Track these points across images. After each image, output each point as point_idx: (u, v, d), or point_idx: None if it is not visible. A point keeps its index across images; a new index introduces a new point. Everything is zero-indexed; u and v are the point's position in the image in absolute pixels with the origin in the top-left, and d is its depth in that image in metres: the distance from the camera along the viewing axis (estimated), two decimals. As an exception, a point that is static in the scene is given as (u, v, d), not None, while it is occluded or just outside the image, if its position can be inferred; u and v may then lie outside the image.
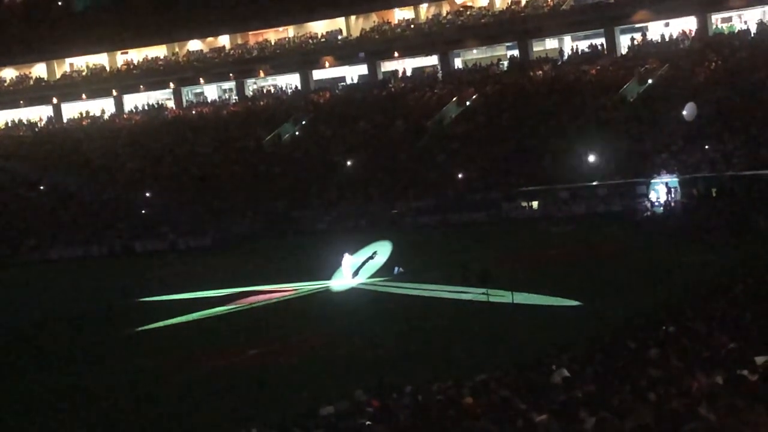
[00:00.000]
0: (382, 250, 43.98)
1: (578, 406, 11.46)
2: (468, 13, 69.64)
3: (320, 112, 67.69)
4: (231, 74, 75.02)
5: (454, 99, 62.96)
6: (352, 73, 72.98)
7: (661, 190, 46.05)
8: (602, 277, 34.25)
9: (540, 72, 63.28)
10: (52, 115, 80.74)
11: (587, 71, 61.35)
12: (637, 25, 63.87)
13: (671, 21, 63.24)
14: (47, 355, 33.92)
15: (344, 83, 72.52)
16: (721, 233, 38.36)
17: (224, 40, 77.76)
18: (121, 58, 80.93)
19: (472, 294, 32.99)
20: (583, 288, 32.48)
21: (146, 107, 77.80)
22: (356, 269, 40.80)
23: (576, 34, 66.45)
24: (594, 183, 49.42)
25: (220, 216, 57.61)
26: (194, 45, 78.86)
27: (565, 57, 65.39)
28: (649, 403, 10.92)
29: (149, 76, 77.69)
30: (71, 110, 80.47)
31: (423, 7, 71.60)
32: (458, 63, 69.74)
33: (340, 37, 73.19)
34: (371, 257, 42.36)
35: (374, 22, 72.97)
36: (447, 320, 31.46)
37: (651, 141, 50.85)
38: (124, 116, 77.73)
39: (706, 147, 48.73)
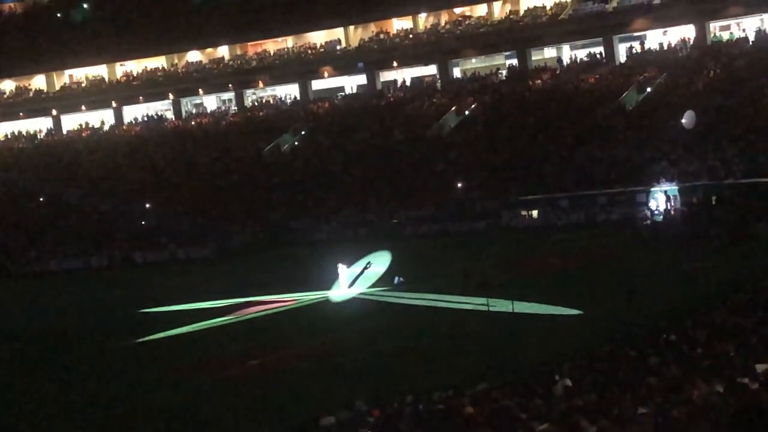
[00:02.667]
0: (382, 260, 43.95)
1: (579, 415, 11.48)
2: (466, 22, 69.73)
3: (319, 122, 67.71)
4: (230, 85, 75.06)
5: (453, 108, 63.00)
6: (351, 83, 73.05)
7: (660, 198, 46.05)
8: (602, 286, 34.22)
9: (539, 81, 63.34)
10: (52, 126, 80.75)
11: (586, 80, 61.41)
12: (636, 34, 63.90)
13: (669, 29, 63.28)
14: (47, 366, 33.90)
15: (343, 93, 72.57)
16: (720, 241, 38.37)
17: (223, 51, 77.82)
18: (120, 70, 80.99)
19: (473, 303, 32.99)
20: (583, 296, 32.45)
21: (146, 118, 77.83)
22: (353, 279, 40.77)
23: (574, 43, 66.50)
24: (593, 191, 49.39)
25: (220, 226, 57.58)
26: (193, 56, 78.93)
27: (564, 66, 65.43)
28: (650, 411, 10.92)
29: (148, 87, 77.74)
30: (71, 122, 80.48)
31: (421, 17, 71.69)
32: (457, 72, 69.80)
33: (338, 48, 73.25)
34: (367, 267, 42.33)
35: (373, 32, 73.07)
36: (447, 330, 31.42)
37: (650, 149, 50.84)
38: (124, 127, 77.74)
39: (706, 155, 48.73)
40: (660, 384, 13.09)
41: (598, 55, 64.33)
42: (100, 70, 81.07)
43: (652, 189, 46.73)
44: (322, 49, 73.63)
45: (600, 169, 51.07)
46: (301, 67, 72.65)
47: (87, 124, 79.49)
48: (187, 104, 78.34)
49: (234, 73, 75.19)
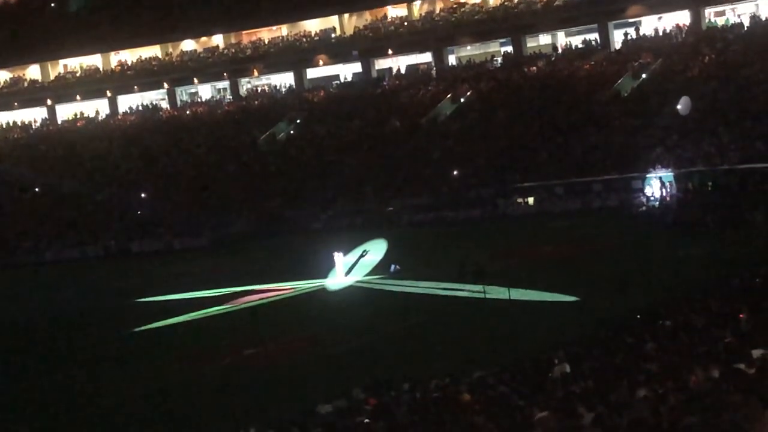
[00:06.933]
0: (378, 248, 43.97)
1: (576, 401, 11.48)
2: (461, 9, 69.60)
3: (315, 111, 67.64)
4: (225, 74, 74.94)
5: (449, 96, 62.96)
6: (346, 71, 72.94)
7: (656, 184, 46.05)
8: (599, 273, 34.23)
9: (534, 68, 63.27)
10: (47, 116, 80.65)
11: (581, 67, 61.35)
12: (631, 20, 63.85)
13: (664, 15, 63.25)
14: (44, 356, 33.92)
15: (338, 81, 72.47)
16: (716, 227, 38.40)
17: (218, 40, 77.66)
18: (114, 59, 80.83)
19: (469, 291, 33.02)
20: (580, 283, 32.47)
21: (140, 108, 77.71)
22: (349, 268, 40.79)
23: (569, 29, 66.45)
24: (589, 178, 49.38)
25: (216, 216, 57.54)
26: (188, 45, 78.74)
27: (559, 53, 65.34)
28: (647, 397, 10.94)
29: (143, 76, 77.61)
30: (65, 111, 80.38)
31: (416, 5, 71.54)
32: (452, 60, 69.70)
33: (333, 36, 73.11)
34: (363, 255, 42.35)
35: (367, 20, 72.94)
36: (444, 317, 31.46)
37: (645, 136, 50.84)
38: (119, 117, 77.63)
39: (701, 141, 48.73)
40: (657, 370, 13.11)
41: (593, 42, 64.29)
42: (94, 60, 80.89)
43: (648, 175, 46.73)
44: (316, 38, 73.49)
45: (595, 156, 51.09)
46: (296, 55, 72.54)
47: (82, 113, 79.40)
48: (182, 93, 78.22)
49: (229, 61, 75.07)
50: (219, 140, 67.05)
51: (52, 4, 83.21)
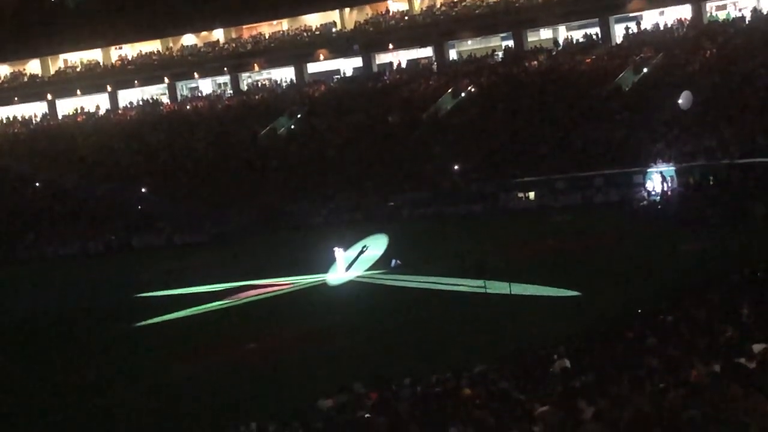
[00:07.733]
0: (379, 243, 43.93)
1: (577, 396, 11.46)
2: (462, 4, 69.51)
3: (315, 105, 67.58)
4: (225, 68, 74.90)
5: (449, 90, 62.89)
6: (347, 65, 72.88)
7: (657, 179, 46.00)
8: (600, 267, 34.23)
9: (535, 62, 63.19)
10: (47, 111, 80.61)
11: (582, 61, 61.27)
12: (632, 14, 63.77)
13: (666, 9, 63.16)
14: (46, 351, 33.93)
15: (339, 76, 72.42)
16: (717, 222, 38.37)
17: (218, 34, 77.60)
18: (115, 54, 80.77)
19: (470, 285, 33.00)
20: (581, 278, 32.45)
21: (141, 102, 77.68)
22: (350, 262, 40.76)
23: (570, 23, 66.37)
24: (590, 173, 49.33)
25: (217, 211, 57.48)
26: (188, 39, 78.68)
27: (560, 47, 65.26)
28: (648, 391, 10.92)
29: (144, 71, 77.56)
30: (66, 106, 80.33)
31: (417, -1, 71.54)
32: (453, 54, 69.63)
33: (334, 30, 73.04)
34: (363, 250, 42.31)
35: (368, 14, 72.86)
36: (445, 312, 31.44)
37: (647, 130, 50.78)
38: (119, 112, 77.60)
39: (702, 135, 48.67)
40: (658, 365, 13.09)
41: (594, 36, 64.18)
42: (95, 55, 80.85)
43: (649, 170, 46.70)
44: (317, 32, 73.43)
45: (596, 151, 51.04)
46: (296, 50, 72.49)
47: (82, 108, 79.34)
48: (183, 88, 78.20)
49: (229, 56, 75.03)
50: (219, 135, 67.01)
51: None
